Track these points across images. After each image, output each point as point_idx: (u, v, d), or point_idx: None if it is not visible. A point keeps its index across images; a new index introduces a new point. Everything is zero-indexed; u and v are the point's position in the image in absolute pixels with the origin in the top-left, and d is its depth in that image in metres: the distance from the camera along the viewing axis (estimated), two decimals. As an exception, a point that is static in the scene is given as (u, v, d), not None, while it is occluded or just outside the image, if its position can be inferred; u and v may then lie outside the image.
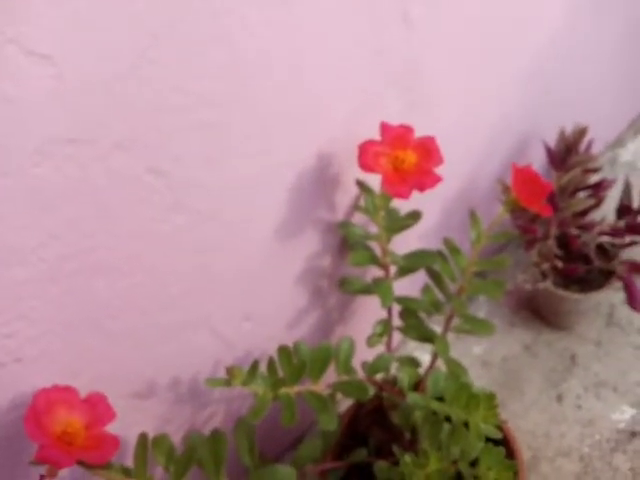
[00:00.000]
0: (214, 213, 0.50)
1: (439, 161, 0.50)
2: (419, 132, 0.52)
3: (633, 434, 0.73)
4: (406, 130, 0.50)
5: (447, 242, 0.59)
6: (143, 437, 0.50)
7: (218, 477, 0.54)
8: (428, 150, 0.50)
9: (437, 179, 0.49)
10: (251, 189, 0.51)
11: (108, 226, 0.43)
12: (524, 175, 0.53)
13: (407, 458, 0.52)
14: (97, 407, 0.44)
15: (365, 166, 0.48)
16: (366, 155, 0.48)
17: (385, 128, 0.50)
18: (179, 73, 0.43)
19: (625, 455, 0.71)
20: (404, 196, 0.48)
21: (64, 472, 0.46)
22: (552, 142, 0.80)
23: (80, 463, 0.41)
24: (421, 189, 0.48)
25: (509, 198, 0.53)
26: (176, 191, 0.45)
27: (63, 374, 0.46)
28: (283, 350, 0.54)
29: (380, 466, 0.56)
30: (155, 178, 0.43)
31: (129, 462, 0.50)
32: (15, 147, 0.37)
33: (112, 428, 0.44)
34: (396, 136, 0.50)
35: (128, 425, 0.54)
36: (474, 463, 0.54)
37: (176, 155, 0.44)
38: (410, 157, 0.49)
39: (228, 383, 0.49)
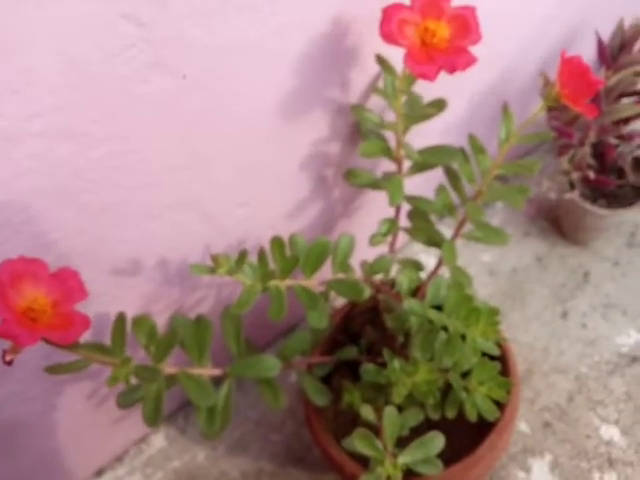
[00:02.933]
0: (206, 79, 0.43)
1: (476, 38, 0.42)
2: (457, 1, 0.44)
3: (634, 359, 0.70)
4: (442, -4, 0.42)
5: (472, 139, 0.52)
6: (121, 316, 0.48)
7: (201, 361, 0.52)
8: (465, 24, 0.42)
9: (471, 60, 0.41)
10: (252, 54, 0.44)
11: (76, 82, 0.37)
12: (573, 66, 0.45)
13: (396, 364, 0.49)
14: (67, 283, 0.40)
15: (387, 36, 0.40)
16: (389, 22, 0.40)
17: (416, -9, 0.42)
18: None
19: (622, 379, 0.69)
20: (430, 77, 0.40)
21: (37, 347, 0.44)
22: (606, 36, 0.70)
23: (46, 341, 0.39)
24: (451, 70, 0.40)
25: (551, 92, 0.46)
26: (158, 47, 0.38)
27: (32, 245, 0.42)
28: (276, 241, 0.50)
29: (367, 368, 0.54)
30: (133, 28, 0.36)
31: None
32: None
33: (93, 304, 0.42)
34: (429, 2, 0.41)
35: (110, 302, 0.52)
36: (465, 375, 0.52)
37: (160, 1, 0.37)
38: (442, 30, 0.41)
39: (212, 271, 0.46)
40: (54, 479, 0.64)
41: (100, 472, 0.68)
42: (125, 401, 0.50)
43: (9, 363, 0.39)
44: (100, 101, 0.39)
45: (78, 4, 0.34)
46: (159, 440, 0.71)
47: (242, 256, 0.47)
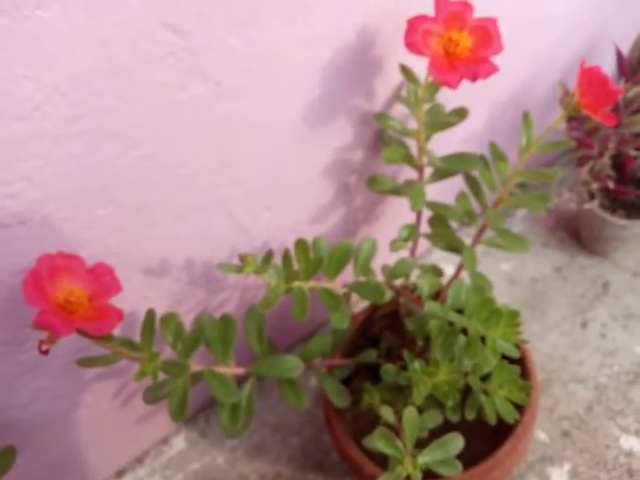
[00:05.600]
0: (238, 86, 0.45)
1: (498, 49, 0.43)
2: (479, 14, 0.45)
3: (655, 369, 0.70)
4: (464, 8, 0.43)
5: (493, 146, 0.53)
6: (151, 312, 0.49)
7: (226, 360, 0.53)
8: (487, 34, 0.43)
9: (493, 69, 0.42)
10: (280, 62, 0.46)
11: (119, 86, 0.39)
12: (592, 76, 0.46)
13: (417, 365, 0.50)
14: (102, 278, 0.42)
15: (412, 46, 0.42)
16: (414, 33, 0.42)
17: (440, 3, 0.43)
18: None
19: (642, 389, 0.69)
20: (452, 84, 0.42)
21: (68, 342, 0.46)
22: (625, 48, 0.71)
23: (81, 332, 0.41)
24: (473, 78, 0.42)
25: (571, 101, 0.47)
26: (195, 54, 0.40)
27: (69, 242, 0.44)
28: (301, 243, 0.51)
29: (388, 369, 0.54)
30: (172, 36, 0.39)
31: (138, 338, 0.50)
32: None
33: (123, 303, 0.43)
34: (452, 14, 0.43)
35: (139, 301, 0.54)
36: (485, 378, 0.52)
37: (196, 10, 0.39)
38: (465, 40, 0.42)
39: (240, 270, 0.47)
40: (74, 478, 0.65)
41: (120, 473, 0.69)
42: (151, 396, 0.51)
43: (45, 352, 0.40)
44: (141, 106, 0.41)
45: (125, 10, 0.36)
46: (179, 442, 0.72)
47: (268, 256, 0.48)
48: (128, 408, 0.64)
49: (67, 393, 0.56)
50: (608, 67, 0.74)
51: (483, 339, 0.48)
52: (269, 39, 0.45)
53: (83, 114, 0.39)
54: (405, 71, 0.51)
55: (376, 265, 0.57)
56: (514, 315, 0.46)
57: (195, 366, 0.51)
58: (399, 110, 0.58)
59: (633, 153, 0.70)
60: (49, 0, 0.34)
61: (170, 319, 0.52)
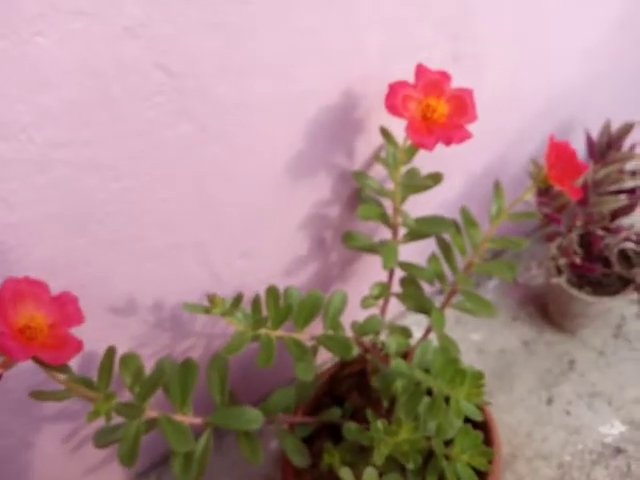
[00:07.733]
0: (223, 132, 0.47)
1: (472, 117, 0.46)
2: (459, 84, 0.48)
3: (618, 450, 0.70)
4: (443, 77, 0.46)
5: (464, 211, 0.55)
6: (111, 349, 0.48)
7: (183, 407, 0.52)
8: (462, 103, 0.46)
9: (466, 135, 0.45)
10: (267, 114, 0.48)
11: (107, 118, 0.40)
12: (560, 150, 0.49)
13: (379, 424, 0.49)
14: (66, 307, 0.41)
15: (392, 108, 0.44)
16: (395, 96, 0.45)
17: (420, 71, 0.46)
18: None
19: (606, 470, 0.68)
20: (428, 147, 0.44)
21: (25, 377, 0.44)
22: (595, 133, 0.75)
23: (37, 361, 0.39)
24: (447, 142, 0.44)
25: (540, 173, 0.49)
26: (185, 96, 0.42)
27: (40, 270, 0.44)
28: (271, 290, 0.51)
29: (349, 427, 0.53)
30: (164, 76, 0.40)
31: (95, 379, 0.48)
32: (16, 8, 0.34)
33: (86, 339, 0.42)
34: (431, 82, 0.46)
35: (101, 340, 0.52)
36: (449, 443, 0.51)
37: (190, 56, 0.41)
38: (442, 107, 0.45)
39: (207, 310, 0.47)
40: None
41: (59, 529, 0.65)
42: (102, 440, 0.49)
43: (-2, 378, 0.39)
44: (127, 139, 0.42)
45: (122, 47, 0.38)
46: (127, 500, 0.68)
47: (238, 300, 0.48)
48: (77, 456, 0.61)
49: (17, 430, 0.54)
50: (579, 149, 0.78)
51: (447, 400, 0.48)
52: (257, 90, 0.47)
53: (69, 142, 0.40)
54: (385, 133, 0.53)
55: (346, 322, 0.57)
56: (478, 376, 0.46)
57: (151, 412, 0.50)
58: (377, 170, 0.60)
59: (600, 233, 0.73)
60: (50, 28, 0.35)
61: (130, 359, 0.51)
